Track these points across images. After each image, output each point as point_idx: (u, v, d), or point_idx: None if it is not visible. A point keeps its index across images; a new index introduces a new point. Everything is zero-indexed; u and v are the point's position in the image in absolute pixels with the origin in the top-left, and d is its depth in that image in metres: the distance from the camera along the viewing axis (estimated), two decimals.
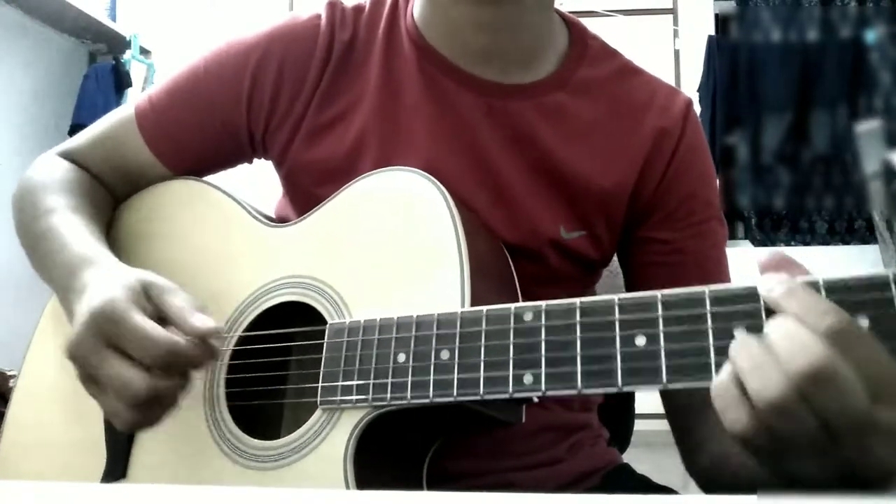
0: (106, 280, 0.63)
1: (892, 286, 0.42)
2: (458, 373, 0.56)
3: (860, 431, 0.42)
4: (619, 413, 0.97)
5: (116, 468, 0.71)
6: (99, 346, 0.58)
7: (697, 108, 3.10)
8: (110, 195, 0.86)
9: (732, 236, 3.31)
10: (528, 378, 0.52)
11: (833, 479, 0.44)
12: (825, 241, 3.22)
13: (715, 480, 0.73)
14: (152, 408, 0.60)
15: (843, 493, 0.40)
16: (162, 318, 0.61)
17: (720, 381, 0.45)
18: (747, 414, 0.43)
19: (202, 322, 0.60)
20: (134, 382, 0.57)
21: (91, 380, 0.60)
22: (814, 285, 0.45)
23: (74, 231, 0.73)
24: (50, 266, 0.72)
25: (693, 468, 0.77)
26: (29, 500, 0.39)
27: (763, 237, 3.27)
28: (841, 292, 0.44)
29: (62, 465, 0.76)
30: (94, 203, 0.81)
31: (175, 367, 0.59)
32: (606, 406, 0.89)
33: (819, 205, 3.17)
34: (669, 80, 0.72)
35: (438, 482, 0.64)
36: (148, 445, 0.71)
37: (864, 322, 0.43)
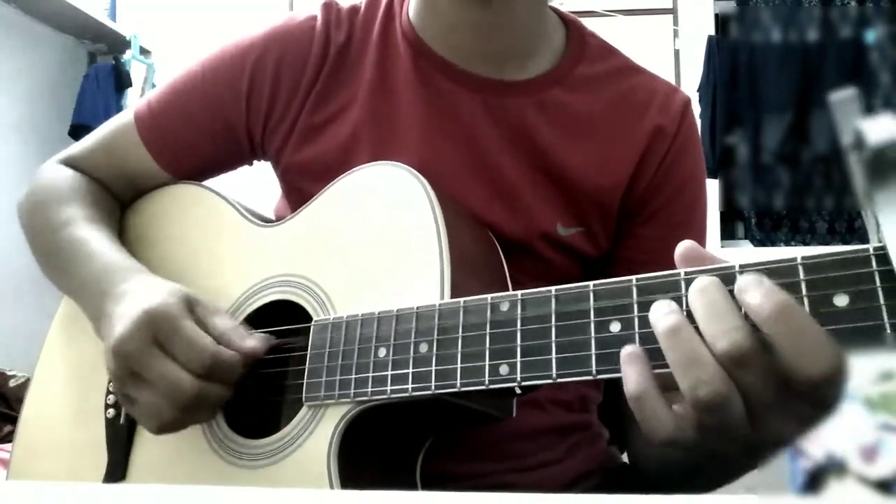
0: (155, 286, 0.66)
1: (873, 261, 0.41)
2: (436, 365, 0.55)
3: (769, 415, 0.44)
4: (618, 413, 0.97)
5: (117, 469, 0.72)
6: (149, 344, 0.60)
7: (697, 108, 3.09)
8: (117, 201, 0.86)
9: (732, 236, 3.30)
10: (504, 368, 0.52)
11: (737, 453, 0.47)
12: (825, 241, 3.20)
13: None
14: (194, 412, 0.62)
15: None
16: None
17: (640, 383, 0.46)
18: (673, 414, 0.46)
19: (253, 341, 0.64)
20: (184, 383, 0.60)
21: (133, 378, 0.62)
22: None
23: (100, 242, 0.75)
24: (76, 275, 0.74)
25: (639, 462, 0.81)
26: (29, 501, 0.39)
27: (763, 237, 3.25)
28: (819, 269, 0.43)
29: (69, 466, 0.76)
30: (107, 211, 0.83)
31: (216, 377, 0.61)
32: (606, 406, 0.88)
33: (819, 205, 3.15)
34: (669, 80, 0.71)
35: (435, 484, 0.64)
36: (146, 447, 0.72)
37: (843, 300, 0.42)
